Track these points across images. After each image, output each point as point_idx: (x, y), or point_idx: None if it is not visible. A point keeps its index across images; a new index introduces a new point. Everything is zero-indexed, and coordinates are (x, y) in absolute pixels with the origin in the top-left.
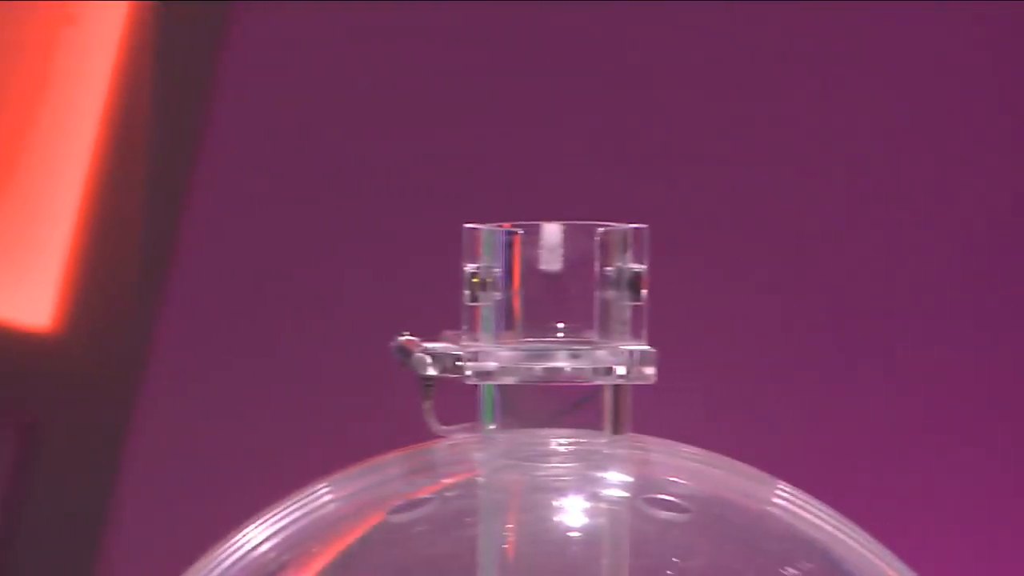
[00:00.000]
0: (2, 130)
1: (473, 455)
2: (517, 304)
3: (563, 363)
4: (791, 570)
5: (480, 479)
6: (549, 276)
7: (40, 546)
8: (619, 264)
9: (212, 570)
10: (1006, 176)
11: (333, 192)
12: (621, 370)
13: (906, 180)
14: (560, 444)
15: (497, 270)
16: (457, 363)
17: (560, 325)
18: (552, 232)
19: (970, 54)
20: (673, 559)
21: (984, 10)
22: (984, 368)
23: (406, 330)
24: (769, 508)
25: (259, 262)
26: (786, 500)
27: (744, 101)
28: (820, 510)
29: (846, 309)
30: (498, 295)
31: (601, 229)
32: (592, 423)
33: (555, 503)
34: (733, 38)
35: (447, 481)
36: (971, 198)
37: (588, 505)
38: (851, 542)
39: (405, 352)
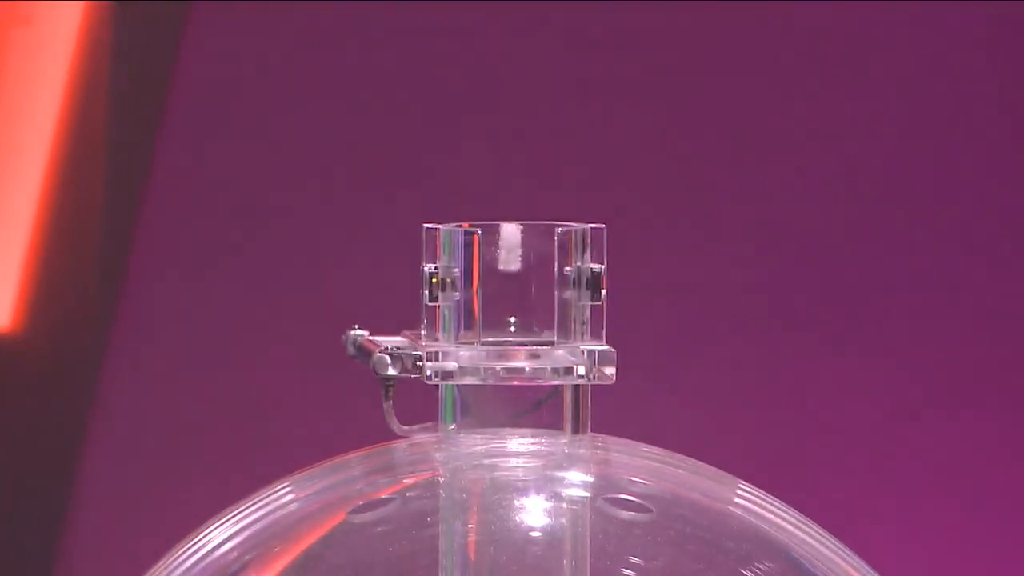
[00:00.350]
0: None
1: (434, 455)
2: (476, 304)
3: (523, 363)
4: (752, 569)
5: (441, 479)
6: (508, 276)
7: None
8: (578, 264)
9: (173, 570)
10: (975, 168)
11: (291, 191)
12: (581, 370)
13: (873, 180)
14: (520, 444)
15: (456, 270)
16: (417, 363)
17: (520, 325)
18: (511, 232)
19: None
20: (634, 559)
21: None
22: (948, 367)
23: (366, 330)
24: (730, 508)
25: (216, 262)
26: (747, 499)
27: (705, 101)
28: (781, 509)
29: (809, 309)
30: (457, 295)
31: (560, 229)
32: (552, 423)
33: (516, 503)
34: (694, 39)
35: (408, 481)
36: (930, 196)
37: (549, 505)
38: (812, 541)
39: (365, 352)
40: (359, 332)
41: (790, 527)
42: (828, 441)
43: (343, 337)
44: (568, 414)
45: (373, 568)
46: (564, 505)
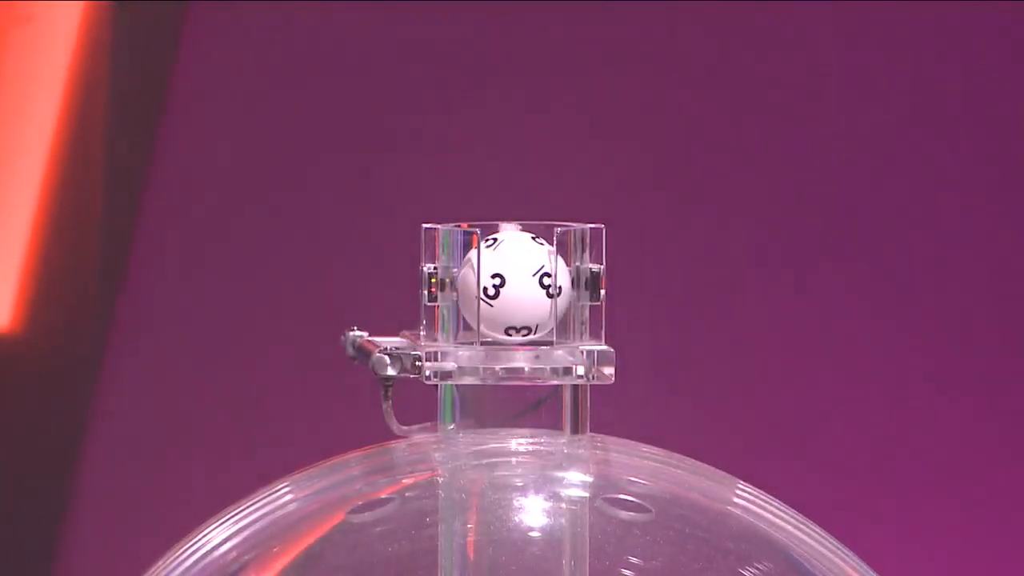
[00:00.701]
0: None
1: (433, 455)
2: (476, 304)
3: (522, 363)
4: (751, 569)
5: (440, 479)
6: None
7: None
8: (577, 264)
9: (173, 570)
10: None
11: (291, 191)
12: (580, 370)
13: (873, 180)
14: (520, 444)
15: (455, 270)
16: (416, 363)
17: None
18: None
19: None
20: (633, 559)
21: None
22: (948, 368)
23: (365, 331)
24: (730, 508)
25: (215, 261)
26: (746, 499)
27: (705, 101)
28: (780, 509)
29: (809, 309)
30: (456, 295)
31: (559, 229)
32: (551, 423)
33: (515, 503)
34: (694, 39)
35: (407, 481)
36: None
37: (548, 505)
38: (811, 541)
39: (364, 353)
40: (358, 333)
41: (789, 527)
42: (828, 441)
43: (342, 338)
44: (567, 414)
45: (372, 568)
46: (563, 505)
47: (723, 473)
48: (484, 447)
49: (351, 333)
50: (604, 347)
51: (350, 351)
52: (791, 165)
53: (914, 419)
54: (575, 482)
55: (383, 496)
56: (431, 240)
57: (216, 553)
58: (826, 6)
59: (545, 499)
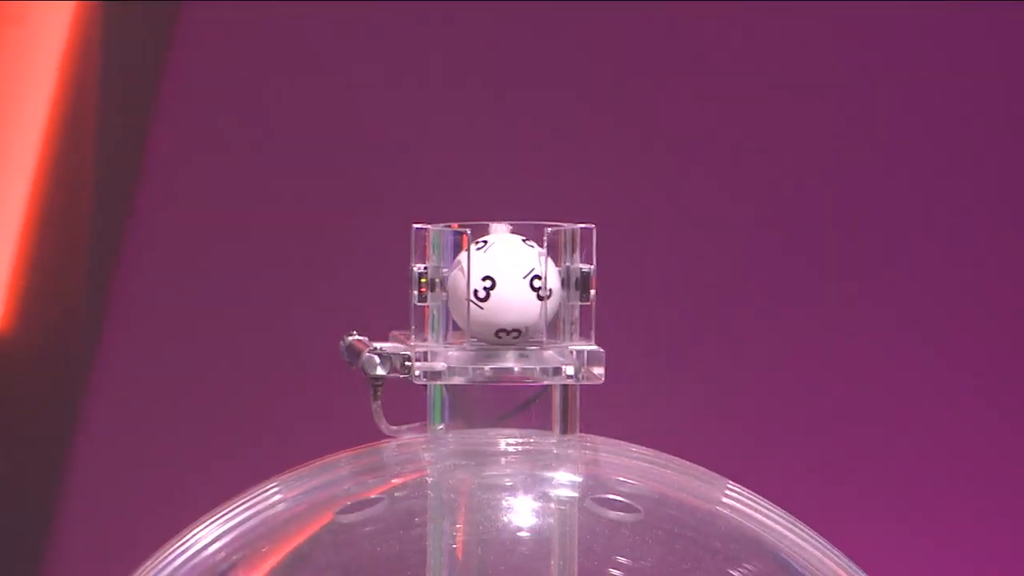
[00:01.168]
0: None
1: (422, 455)
2: (466, 304)
3: (512, 363)
4: (740, 570)
5: (429, 479)
6: None
7: None
8: (567, 264)
9: (161, 570)
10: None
11: (281, 192)
12: (570, 370)
13: (869, 182)
14: (509, 444)
15: (446, 270)
16: (406, 363)
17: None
18: (500, 232)
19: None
20: (622, 559)
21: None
22: (944, 368)
23: (354, 330)
24: (718, 508)
25: (206, 262)
26: (735, 499)
27: (695, 101)
28: (769, 509)
29: (799, 309)
30: (446, 295)
31: (549, 229)
32: (541, 423)
33: (504, 503)
34: (685, 38)
35: (396, 481)
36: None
37: (537, 505)
38: (800, 541)
39: (354, 352)
40: (357, 338)
41: (778, 527)
42: (817, 441)
43: (340, 343)
44: (557, 414)
45: (361, 568)
46: (552, 505)
47: (712, 473)
48: (473, 447)
49: (349, 338)
50: (594, 347)
51: (345, 356)
52: (789, 165)
53: (914, 419)
54: (564, 482)
55: (372, 496)
56: (421, 240)
57: (205, 553)
58: (826, 6)
59: (534, 499)
